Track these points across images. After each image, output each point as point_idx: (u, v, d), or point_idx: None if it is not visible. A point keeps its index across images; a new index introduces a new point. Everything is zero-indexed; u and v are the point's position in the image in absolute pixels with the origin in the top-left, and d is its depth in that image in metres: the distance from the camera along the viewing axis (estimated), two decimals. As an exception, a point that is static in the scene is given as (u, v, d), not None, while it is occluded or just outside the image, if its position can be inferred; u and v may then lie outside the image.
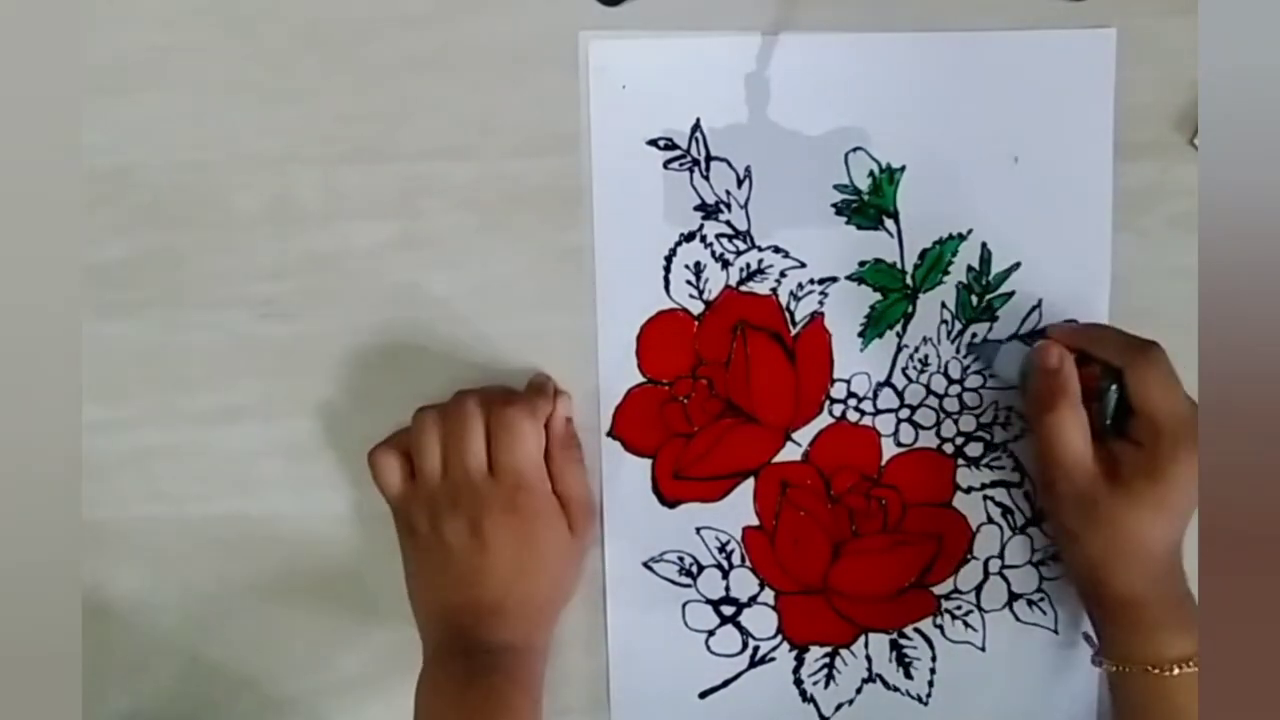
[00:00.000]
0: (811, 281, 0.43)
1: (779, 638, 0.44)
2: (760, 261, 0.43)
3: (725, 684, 0.45)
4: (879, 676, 0.45)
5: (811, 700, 0.45)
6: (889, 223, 0.43)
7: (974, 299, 0.43)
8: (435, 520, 0.40)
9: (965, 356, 0.43)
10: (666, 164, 0.42)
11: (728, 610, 0.44)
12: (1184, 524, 0.39)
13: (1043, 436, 0.40)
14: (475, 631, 0.39)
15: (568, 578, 0.42)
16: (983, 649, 0.45)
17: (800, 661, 0.45)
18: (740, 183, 0.42)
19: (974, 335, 0.43)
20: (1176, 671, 0.37)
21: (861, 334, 0.43)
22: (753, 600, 0.44)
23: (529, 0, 0.42)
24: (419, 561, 0.41)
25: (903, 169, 0.42)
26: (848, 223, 0.43)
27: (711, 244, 0.43)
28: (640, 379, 0.43)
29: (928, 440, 0.44)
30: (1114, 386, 0.39)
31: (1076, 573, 0.41)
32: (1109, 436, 0.39)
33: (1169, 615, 0.38)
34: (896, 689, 0.45)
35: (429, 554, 0.40)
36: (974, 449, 0.44)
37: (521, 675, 0.39)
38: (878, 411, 0.44)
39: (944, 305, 0.43)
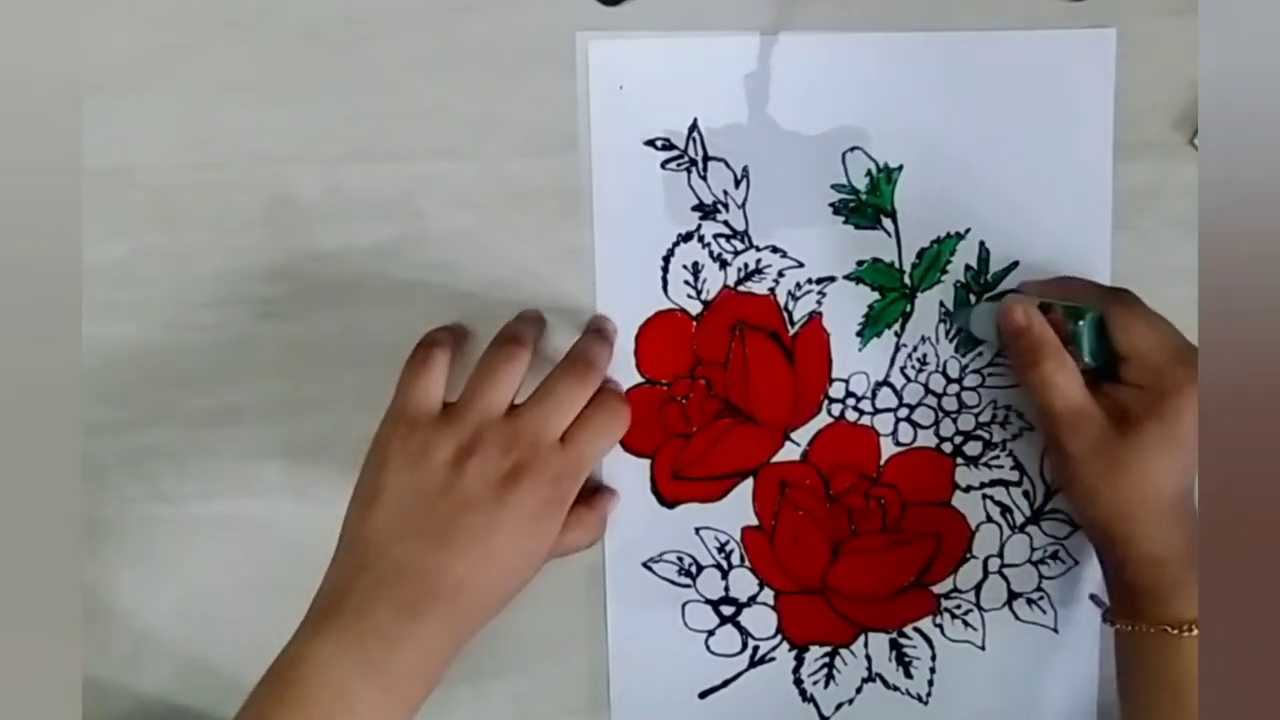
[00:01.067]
0: (809, 281, 0.43)
1: (779, 637, 0.44)
2: (758, 261, 0.43)
3: (725, 684, 0.45)
4: (879, 676, 0.45)
5: (811, 700, 0.45)
6: (887, 222, 0.43)
7: (972, 298, 0.43)
8: (465, 453, 0.36)
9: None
10: (664, 164, 0.42)
11: (727, 610, 0.44)
12: (1194, 463, 0.37)
13: (1037, 394, 0.39)
14: (407, 624, 0.34)
15: (522, 578, 0.38)
16: (982, 648, 0.45)
17: (800, 661, 0.45)
18: (738, 183, 0.42)
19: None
20: (1191, 632, 0.37)
21: (860, 333, 0.43)
22: (752, 600, 0.44)
23: (528, 0, 0.42)
24: (403, 487, 0.36)
25: (900, 168, 0.42)
26: (845, 222, 0.43)
27: (709, 244, 0.43)
28: (638, 379, 0.43)
29: (926, 439, 0.44)
30: (1083, 324, 0.38)
31: (1096, 531, 0.40)
32: (1104, 384, 0.39)
33: (1187, 572, 0.37)
34: (896, 688, 0.45)
35: (430, 479, 0.36)
36: (973, 448, 0.44)
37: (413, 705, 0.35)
38: (876, 411, 0.44)
39: (942, 304, 0.43)
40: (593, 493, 0.43)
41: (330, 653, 0.34)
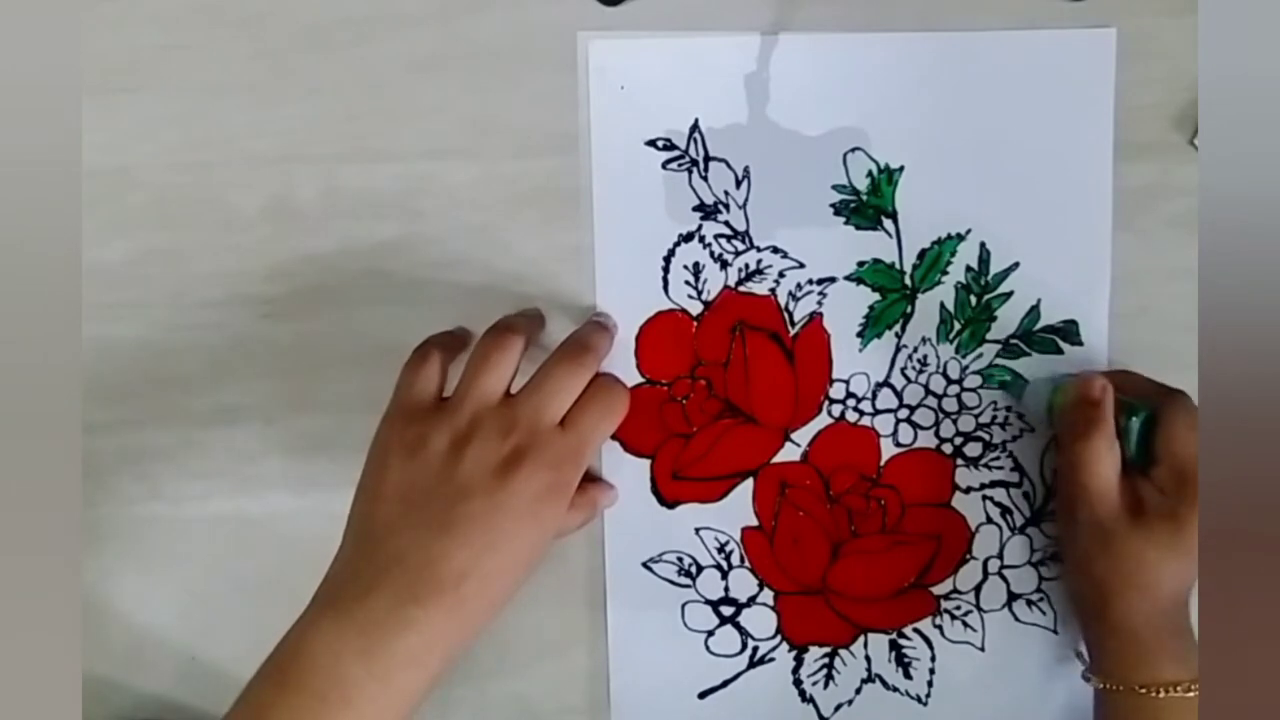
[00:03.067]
0: (810, 282, 0.43)
1: (778, 638, 0.44)
2: (759, 262, 0.43)
3: (724, 684, 0.45)
4: (878, 677, 0.45)
5: (811, 700, 0.45)
6: (887, 223, 0.43)
7: (973, 299, 0.43)
8: (463, 440, 0.36)
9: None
10: (665, 164, 0.42)
11: (727, 610, 0.44)
12: (1193, 575, 0.39)
13: (1073, 463, 0.40)
14: (407, 609, 0.34)
15: (527, 565, 0.37)
16: (982, 649, 0.45)
17: (799, 662, 0.45)
18: (739, 183, 0.42)
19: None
20: (1166, 694, 0.38)
21: (860, 334, 0.43)
22: (752, 600, 0.44)
23: (529, 0, 0.42)
24: (402, 478, 0.36)
25: (901, 169, 0.42)
26: (846, 223, 0.43)
27: (710, 244, 0.43)
28: (639, 379, 0.43)
29: (927, 440, 0.44)
30: (1136, 420, 0.39)
31: (1081, 596, 0.41)
32: (1134, 474, 0.40)
33: (1166, 645, 0.38)
34: (896, 689, 0.45)
35: (425, 472, 0.36)
36: (973, 449, 0.44)
37: (416, 700, 0.35)
38: (876, 412, 0.44)
39: (943, 305, 0.43)
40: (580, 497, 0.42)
41: (328, 640, 0.34)
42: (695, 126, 0.42)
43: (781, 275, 0.43)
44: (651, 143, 0.42)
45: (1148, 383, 0.41)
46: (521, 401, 0.37)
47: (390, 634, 0.34)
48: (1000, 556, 0.44)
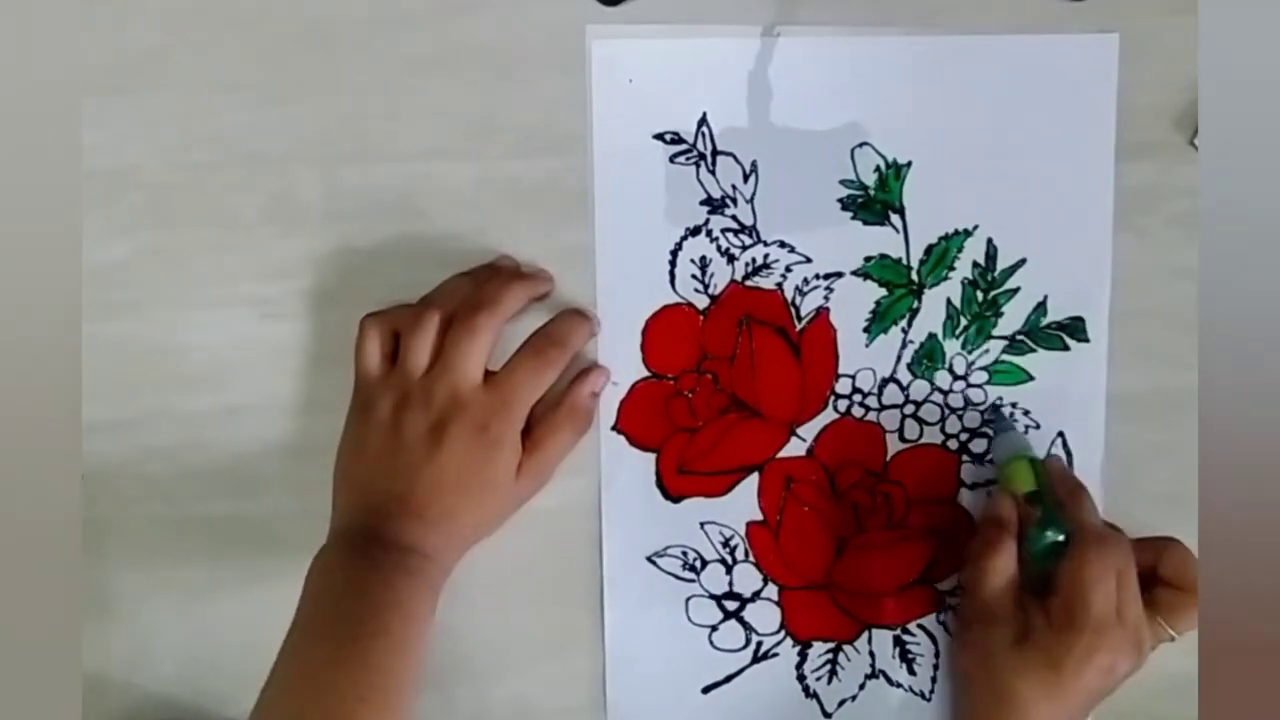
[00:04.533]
0: (817, 277, 0.43)
1: (782, 633, 0.44)
2: (766, 256, 0.43)
3: (728, 679, 0.45)
4: (882, 672, 0.45)
5: (814, 696, 0.45)
6: (895, 218, 0.43)
7: (979, 295, 0.43)
8: (400, 407, 0.39)
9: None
10: (673, 158, 0.42)
11: (731, 605, 0.44)
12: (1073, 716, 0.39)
13: (973, 572, 0.41)
14: (390, 525, 0.38)
15: (494, 514, 0.41)
16: (986, 645, 0.44)
17: (803, 657, 0.45)
18: (746, 178, 0.42)
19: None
20: None
21: (867, 329, 0.43)
22: (756, 595, 0.44)
23: (528, 0, 0.42)
24: (361, 439, 0.40)
25: (909, 165, 0.42)
26: (854, 218, 0.43)
27: (717, 239, 0.43)
28: (645, 373, 0.43)
29: (932, 436, 0.44)
30: (1047, 536, 0.39)
31: (961, 710, 0.43)
32: (1029, 599, 0.40)
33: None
34: (899, 685, 0.45)
35: (376, 435, 0.40)
36: (978, 445, 0.44)
37: (421, 581, 0.38)
38: (882, 407, 0.44)
39: (949, 301, 0.43)
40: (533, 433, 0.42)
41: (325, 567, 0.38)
42: (703, 120, 0.42)
43: (788, 270, 0.43)
44: (660, 136, 0.42)
45: (1093, 510, 0.41)
46: (444, 371, 0.40)
47: (376, 548, 0.38)
48: (1005, 552, 0.44)
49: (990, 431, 0.44)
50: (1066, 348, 0.43)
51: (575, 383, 0.42)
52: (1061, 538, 0.39)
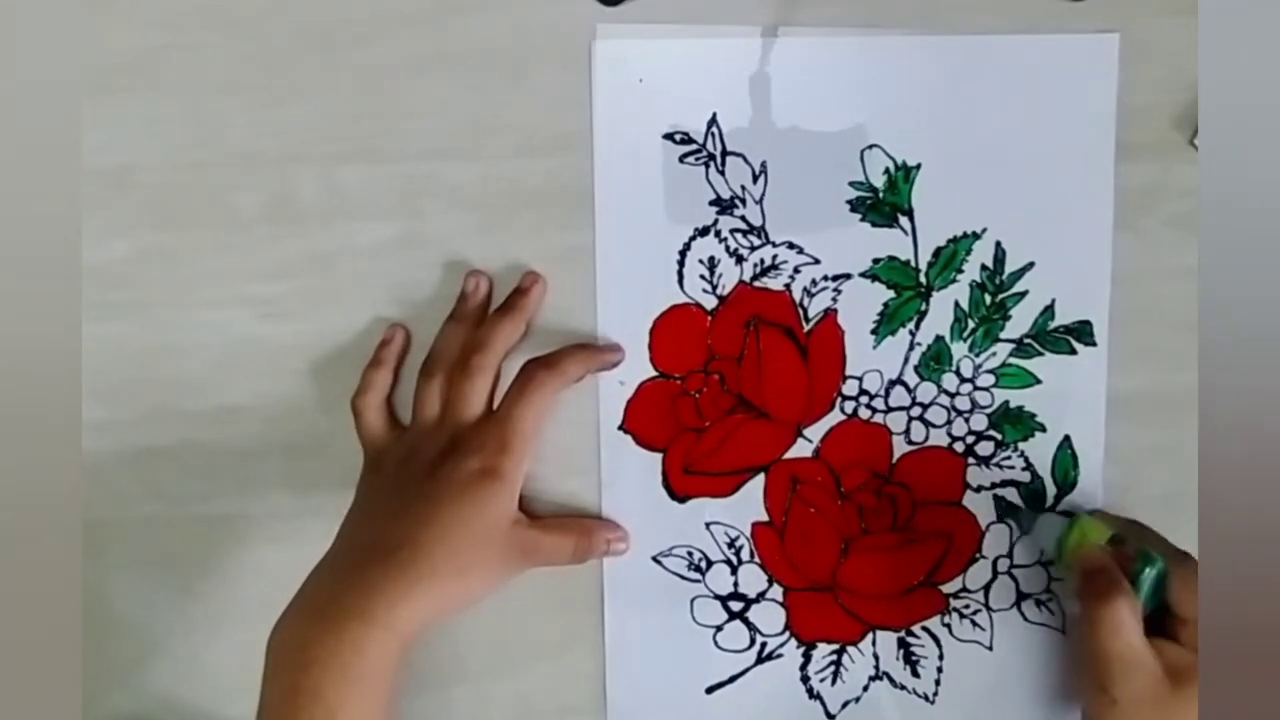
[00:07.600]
0: (825, 278, 0.43)
1: (787, 634, 0.44)
2: (774, 257, 0.43)
3: (732, 679, 0.44)
4: (886, 674, 0.45)
5: (818, 697, 0.45)
6: (904, 220, 0.42)
7: (987, 298, 0.43)
8: (408, 458, 0.40)
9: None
10: (682, 158, 0.42)
11: (736, 606, 0.44)
12: None
13: (1098, 629, 0.38)
14: (361, 585, 0.37)
15: (469, 540, 0.39)
16: (990, 648, 0.44)
17: (807, 658, 0.44)
18: (755, 178, 0.42)
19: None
20: None
21: (874, 331, 0.43)
22: (761, 596, 0.44)
23: (528, 0, 0.41)
24: (370, 491, 0.41)
25: (918, 167, 0.42)
26: (862, 220, 0.42)
27: (726, 239, 0.42)
28: (652, 373, 0.43)
29: (939, 439, 0.44)
30: (1151, 571, 0.39)
31: None
32: (1157, 636, 0.38)
33: None
34: (903, 687, 0.45)
35: (383, 483, 0.40)
36: (984, 448, 0.44)
37: (364, 687, 0.36)
38: (889, 409, 0.43)
39: (957, 304, 0.43)
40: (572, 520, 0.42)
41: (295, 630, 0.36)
42: (713, 121, 0.42)
43: (797, 271, 0.43)
44: (669, 136, 0.42)
45: (1159, 538, 0.40)
46: (450, 418, 0.41)
47: (339, 597, 0.37)
48: (1010, 556, 0.44)
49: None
50: (1074, 351, 0.43)
51: (596, 523, 0.43)
52: (1163, 565, 0.39)
